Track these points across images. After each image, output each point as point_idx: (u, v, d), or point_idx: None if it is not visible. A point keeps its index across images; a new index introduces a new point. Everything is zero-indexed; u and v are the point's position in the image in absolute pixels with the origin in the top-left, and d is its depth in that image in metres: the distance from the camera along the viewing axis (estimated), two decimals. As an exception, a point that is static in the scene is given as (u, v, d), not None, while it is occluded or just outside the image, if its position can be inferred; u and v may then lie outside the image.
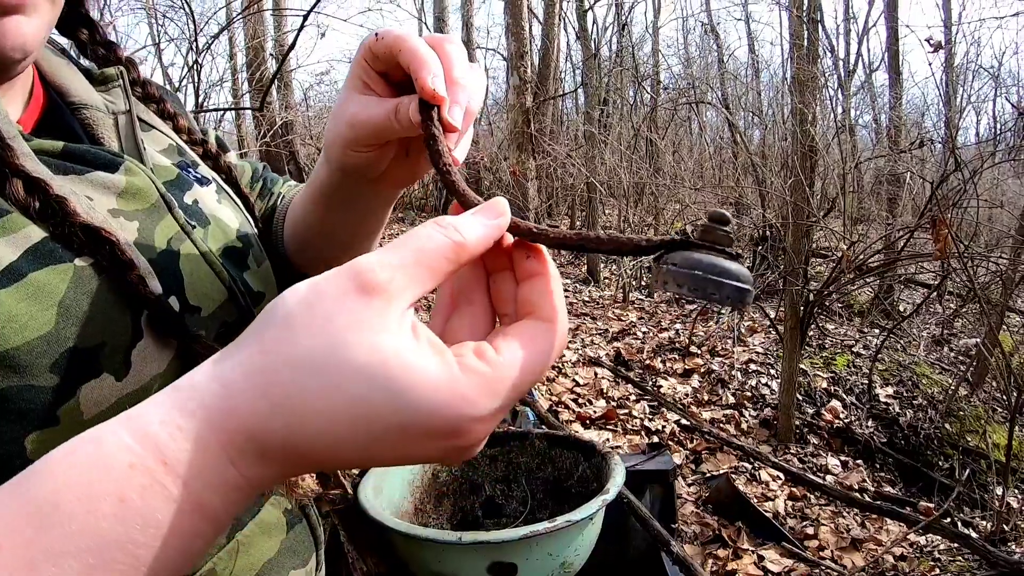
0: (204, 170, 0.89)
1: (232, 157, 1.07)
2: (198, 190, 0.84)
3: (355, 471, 1.31)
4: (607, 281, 9.47)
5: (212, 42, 8.59)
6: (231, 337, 0.73)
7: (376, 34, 0.68)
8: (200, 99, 7.97)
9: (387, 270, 0.44)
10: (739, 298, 0.53)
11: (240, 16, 10.80)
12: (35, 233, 0.60)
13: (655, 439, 4.72)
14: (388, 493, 1.30)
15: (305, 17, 4.25)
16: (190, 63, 7.78)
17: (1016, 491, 4.50)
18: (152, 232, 0.72)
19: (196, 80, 7.80)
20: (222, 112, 11.55)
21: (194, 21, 7.30)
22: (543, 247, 0.55)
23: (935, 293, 6.69)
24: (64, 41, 0.88)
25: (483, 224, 0.50)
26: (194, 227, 0.77)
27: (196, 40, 7.52)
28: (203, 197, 0.84)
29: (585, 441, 1.40)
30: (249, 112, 11.84)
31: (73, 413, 0.59)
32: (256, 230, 0.93)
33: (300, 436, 0.42)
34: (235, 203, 0.91)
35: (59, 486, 0.40)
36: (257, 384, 0.42)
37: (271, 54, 12.54)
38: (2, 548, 0.38)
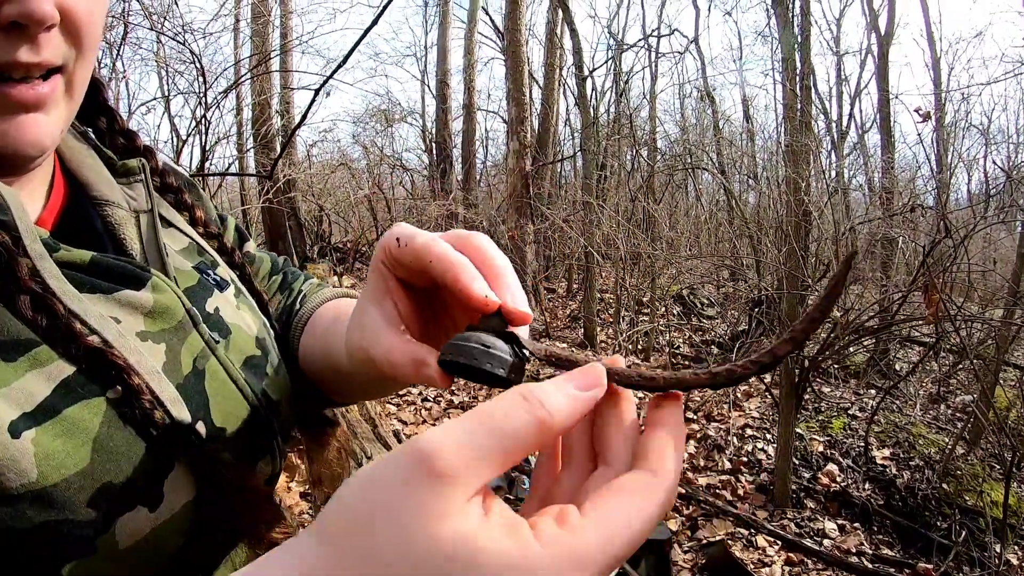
0: (222, 271, 0.89)
1: (251, 247, 1.09)
2: (218, 296, 0.83)
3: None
4: (603, 345, 9.49)
5: (221, 99, 8.73)
6: (256, 455, 0.78)
7: (398, 239, 0.62)
8: (206, 153, 8.08)
9: (455, 455, 0.40)
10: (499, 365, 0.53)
11: (248, 75, 10.99)
12: (66, 367, 0.60)
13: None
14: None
15: (317, 91, 4.39)
16: (198, 118, 7.90)
17: (1015, 547, 4.50)
18: (179, 353, 0.72)
19: (204, 134, 7.91)
20: (232, 175, 11.69)
21: (204, 77, 7.42)
22: (680, 393, 0.52)
23: (931, 352, 6.74)
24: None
25: (573, 397, 0.46)
26: (218, 342, 0.78)
27: (205, 95, 7.64)
28: (223, 304, 0.83)
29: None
30: (253, 169, 11.99)
31: (109, 544, 0.59)
32: (272, 331, 0.93)
33: None
34: (252, 305, 0.91)
35: None
36: None
37: (277, 111, 12.72)
38: None
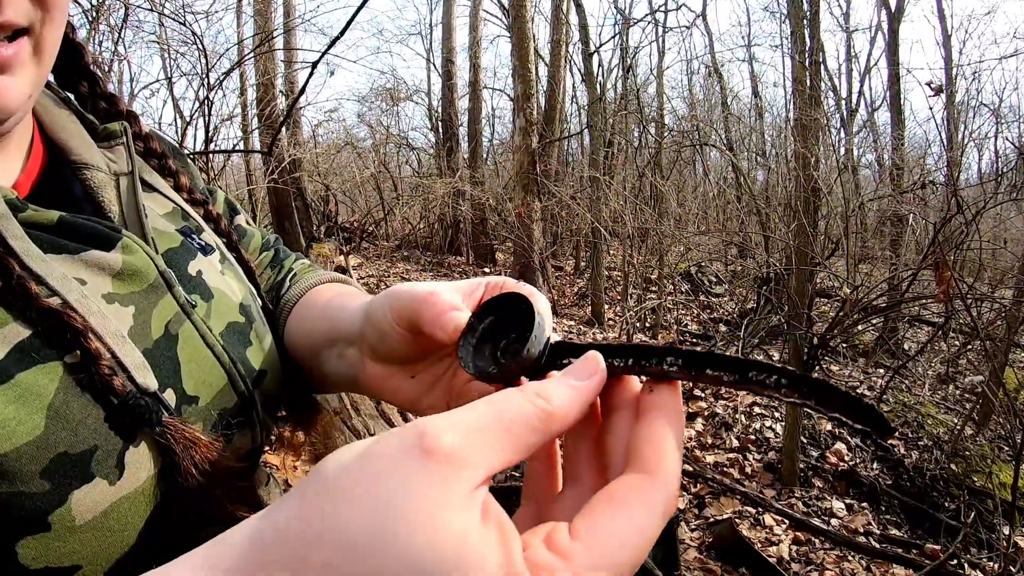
0: (208, 236, 0.87)
1: (241, 220, 1.06)
2: (201, 259, 0.81)
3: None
4: (611, 322, 9.47)
5: (223, 79, 8.69)
6: (233, 426, 0.74)
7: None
8: (210, 134, 8.05)
9: (458, 433, 0.37)
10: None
11: (250, 55, 10.94)
12: (22, 330, 0.57)
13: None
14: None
15: (314, 65, 4.32)
16: (201, 99, 7.87)
17: (1023, 530, 4.47)
18: (149, 317, 0.69)
19: (207, 115, 7.88)
20: (231, 152, 11.66)
21: (206, 58, 7.39)
22: (658, 415, 0.45)
23: (940, 332, 6.69)
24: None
25: (573, 387, 0.44)
26: (195, 305, 0.74)
27: (208, 76, 7.61)
28: (206, 267, 0.81)
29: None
30: (264, 153, 11.95)
31: (64, 519, 0.56)
32: (260, 301, 0.90)
33: None
34: (238, 272, 0.88)
35: None
36: (287, 556, 0.35)
37: (281, 91, 12.67)
38: None
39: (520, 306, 0.58)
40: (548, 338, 0.56)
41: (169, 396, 0.66)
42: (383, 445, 0.37)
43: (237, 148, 12.86)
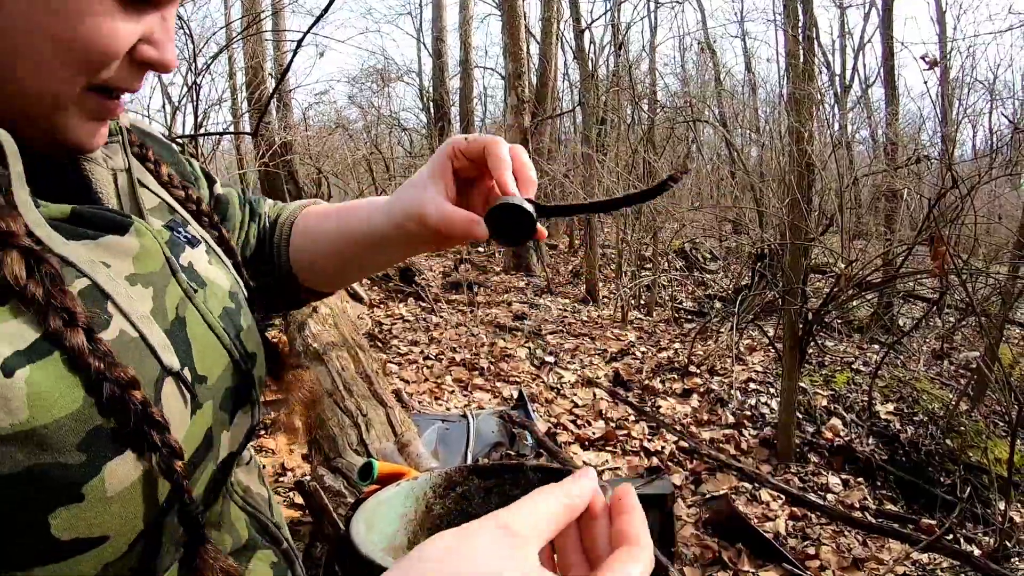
0: (193, 228, 0.89)
1: (219, 188, 1.09)
2: (190, 252, 0.83)
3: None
4: (606, 300, 9.46)
5: (211, 63, 8.64)
6: (235, 405, 0.80)
7: (466, 138, 0.86)
8: (199, 119, 8.00)
9: (527, 524, 0.52)
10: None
11: (238, 38, 10.86)
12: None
13: (654, 460, 4.71)
14: (381, 527, 1.28)
15: (299, 44, 4.27)
16: (189, 83, 7.82)
17: (1019, 506, 4.48)
18: (164, 298, 0.72)
19: (195, 100, 7.83)
20: (219, 135, 11.57)
21: (193, 42, 7.33)
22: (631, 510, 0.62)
23: (934, 307, 6.69)
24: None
25: (585, 486, 0.58)
26: (196, 291, 0.78)
27: (195, 61, 7.55)
28: (195, 259, 0.83)
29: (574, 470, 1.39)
30: (250, 135, 11.86)
31: (97, 490, 0.59)
32: (244, 292, 0.93)
33: None
34: (224, 262, 0.91)
35: None
36: None
37: (270, 74, 12.59)
38: None
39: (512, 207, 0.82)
40: (533, 214, 0.81)
41: (186, 374, 0.69)
42: (477, 527, 0.50)
43: (223, 131, 12.77)
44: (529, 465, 1.50)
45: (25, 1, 0.56)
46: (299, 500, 3.43)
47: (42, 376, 0.56)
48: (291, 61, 4.41)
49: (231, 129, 13.27)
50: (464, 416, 4.31)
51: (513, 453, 3.98)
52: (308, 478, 2.83)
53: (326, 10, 3.88)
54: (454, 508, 1.45)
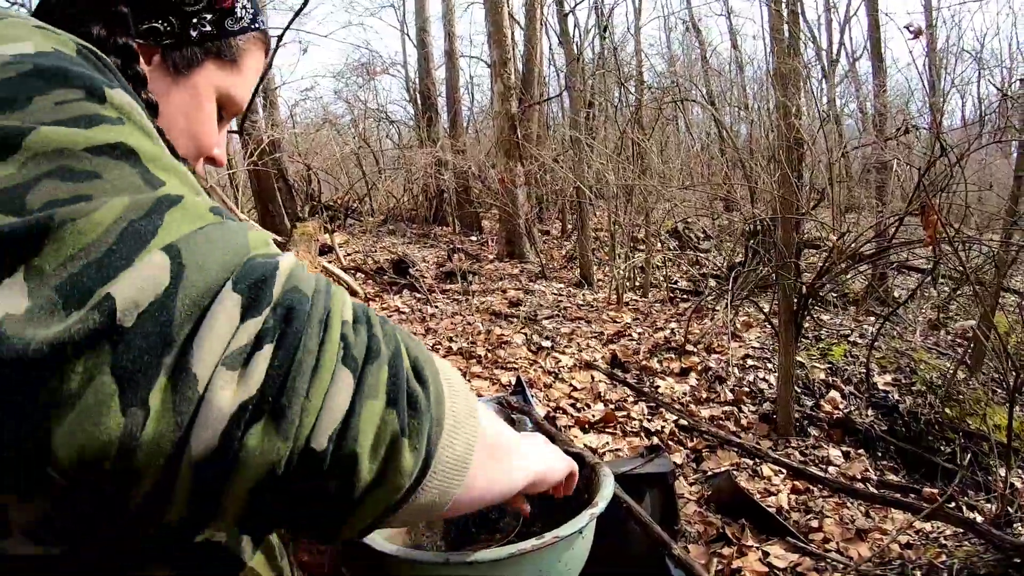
0: None
1: None
2: None
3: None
4: (601, 284, 9.44)
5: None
6: None
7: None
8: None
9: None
10: None
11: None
12: None
13: (655, 440, 4.71)
14: (379, 514, 1.28)
15: (279, 40, 4.23)
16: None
17: (1019, 472, 4.48)
18: None
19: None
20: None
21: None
22: None
23: (929, 278, 6.68)
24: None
25: (576, 469, 0.97)
26: None
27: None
28: None
29: (574, 452, 1.39)
30: (235, 132, 11.81)
31: None
32: None
33: None
34: None
35: None
36: None
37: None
38: None
39: None
40: None
41: None
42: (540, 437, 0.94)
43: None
44: (525, 444, 1.49)
45: (178, 110, 0.92)
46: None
47: None
48: (272, 56, 4.36)
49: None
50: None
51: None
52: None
53: (304, 4, 3.85)
54: (452, 492, 1.43)
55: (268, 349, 0.47)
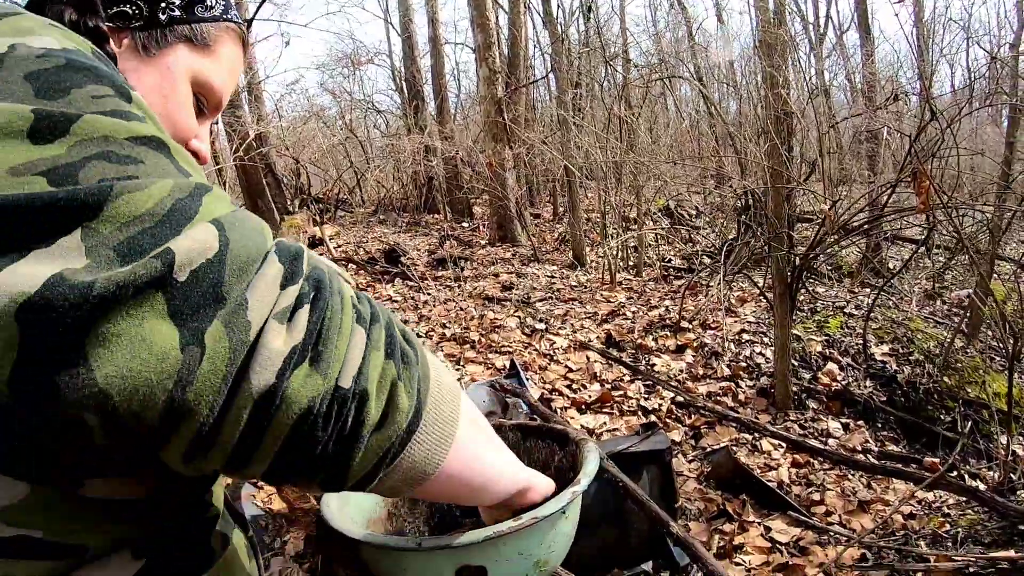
0: None
1: None
2: None
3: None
4: (594, 264, 9.40)
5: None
6: None
7: None
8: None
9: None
10: None
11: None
12: None
13: (652, 418, 4.66)
14: (357, 500, 1.23)
15: (249, 23, 4.15)
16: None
17: (1020, 438, 4.46)
18: None
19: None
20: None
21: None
22: None
23: (923, 247, 6.64)
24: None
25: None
26: None
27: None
28: None
29: (558, 430, 1.34)
30: (221, 127, 11.73)
31: None
32: None
33: None
34: None
35: None
36: None
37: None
38: None
39: None
40: None
41: None
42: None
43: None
44: (508, 424, 1.44)
45: (151, 91, 0.91)
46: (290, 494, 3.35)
47: None
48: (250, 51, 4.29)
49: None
50: (455, 389, 4.25)
51: (506, 420, 3.92)
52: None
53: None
54: (434, 475, 1.36)
55: (306, 309, 0.57)
